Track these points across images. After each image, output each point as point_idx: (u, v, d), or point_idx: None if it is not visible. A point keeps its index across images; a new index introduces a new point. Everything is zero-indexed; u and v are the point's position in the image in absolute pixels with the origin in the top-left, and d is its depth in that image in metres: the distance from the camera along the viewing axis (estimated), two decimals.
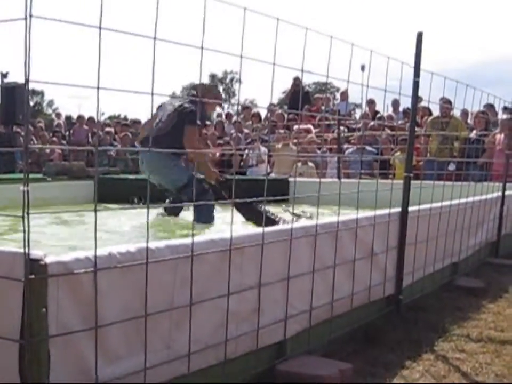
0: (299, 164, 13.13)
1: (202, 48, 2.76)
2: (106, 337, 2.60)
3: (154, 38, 2.53)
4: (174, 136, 7.41)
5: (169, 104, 8.02)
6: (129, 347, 2.75)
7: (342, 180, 8.76)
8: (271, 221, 7.08)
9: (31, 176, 8.43)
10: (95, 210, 2.40)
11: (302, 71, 3.68)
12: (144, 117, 19.13)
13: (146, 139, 8.08)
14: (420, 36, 5.14)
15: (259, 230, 3.42)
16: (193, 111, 7.64)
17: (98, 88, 2.35)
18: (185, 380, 3.00)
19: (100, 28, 2.34)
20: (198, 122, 7.50)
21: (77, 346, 2.52)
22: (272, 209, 7.83)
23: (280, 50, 3.31)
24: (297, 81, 17.95)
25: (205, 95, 7.92)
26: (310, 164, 13.48)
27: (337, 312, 4.32)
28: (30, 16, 2.14)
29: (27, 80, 2.19)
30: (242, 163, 15.00)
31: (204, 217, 7.48)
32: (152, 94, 2.56)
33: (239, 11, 2.98)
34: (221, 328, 3.21)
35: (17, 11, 2.20)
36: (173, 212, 8.10)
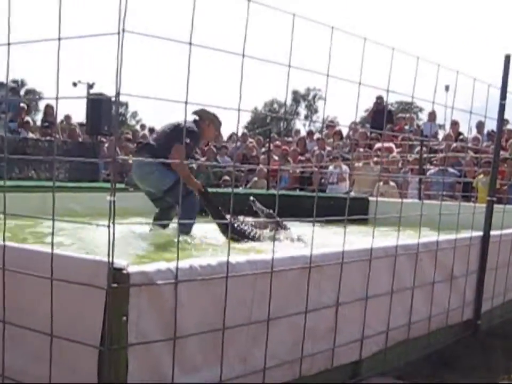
0: (380, 183, 13.01)
1: (289, 66, 2.76)
2: (183, 348, 2.61)
3: (243, 55, 2.54)
4: (163, 148, 7.47)
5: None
6: (205, 359, 2.76)
7: (423, 201, 8.64)
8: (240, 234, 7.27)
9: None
10: (178, 224, 2.42)
11: (388, 91, 3.65)
12: (226, 131, 19.29)
13: (140, 148, 8.10)
14: (507, 58, 5.05)
15: (339, 249, 3.39)
16: (188, 131, 7.66)
17: (186, 103, 2.37)
18: None
19: (190, 43, 2.36)
20: (187, 141, 7.51)
21: (154, 356, 2.54)
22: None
23: (364, 68, 3.30)
24: (379, 100, 17.84)
25: (212, 121, 8.05)
26: (391, 183, 13.34)
27: (414, 335, 4.25)
28: (123, 31, 2.17)
29: (118, 93, 2.22)
30: (322, 180, 14.95)
31: (188, 215, 7.38)
32: (239, 110, 2.58)
33: (327, 30, 2.98)
34: (297, 345, 3.20)
35: (106, 25, 2.25)
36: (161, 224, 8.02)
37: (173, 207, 7.92)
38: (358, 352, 3.73)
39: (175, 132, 7.66)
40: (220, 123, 8.11)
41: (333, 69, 3.06)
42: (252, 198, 8.18)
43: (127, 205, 8.36)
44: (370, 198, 11.20)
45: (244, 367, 2.94)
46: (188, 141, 7.56)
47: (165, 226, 7.80)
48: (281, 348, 3.12)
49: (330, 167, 14.76)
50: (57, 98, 2.45)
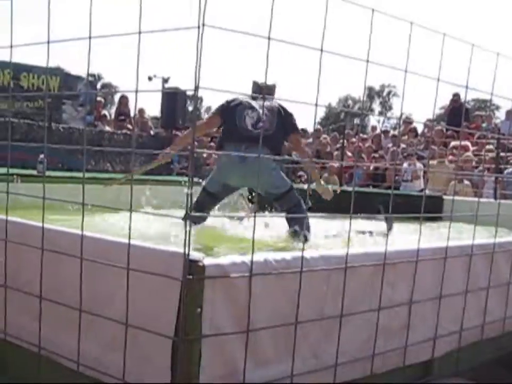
0: (454, 182, 12.83)
1: (367, 61, 2.74)
2: (256, 341, 2.62)
3: (321, 50, 2.53)
4: (277, 139, 6.73)
5: (253, 103, 6.60)
6: (277, 353, 2.77)
7: (499, 201, 8.49)
8: None
9: (186, 179, 8.67)
10: (253, 216, 2.43)
11: (467, 87, 3.59)
12: (306, 126, 19.24)
13: (250, 138, 6.64)
14: None
15: (414, 246, 3.36)
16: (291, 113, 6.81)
17: (264, 97, 2.38)
18: None
19: (269, 38, 2.36)
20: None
21: (227, 348, 2.56)
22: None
23: (441, 65, 3.25)
24: (456, 97, 17.56)
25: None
26: (466, 182, 13.15)
27: (488, 336, 4.18)
28: (203, 25, 2.19)
29: (197, 87, 2.24)
30: (396, 177, 14.81)
31: (307, 226, 6.53)
32: (316, 105, 2.57)
33: (405, 25, 2.95)
34: (369, 342, 3.18)
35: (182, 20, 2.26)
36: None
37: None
38: (430, 351, 3.69)
39: (282, 118, 6.69)
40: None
41: (410, 65, 3.03)
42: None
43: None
44: (444, 197, 11.06)
45: (315, 362, 2.94)
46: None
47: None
48: (353, 344, 3.11)
49: (405, 164, 14.61)
50: (136, 92, 2.48)
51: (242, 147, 6.49)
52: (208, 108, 72.76)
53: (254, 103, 6.61)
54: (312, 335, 2.90)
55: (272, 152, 6.28)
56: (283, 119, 6.68)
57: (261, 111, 6.38)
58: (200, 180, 7.48)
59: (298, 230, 6.35)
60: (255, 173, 6.40)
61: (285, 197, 6.73)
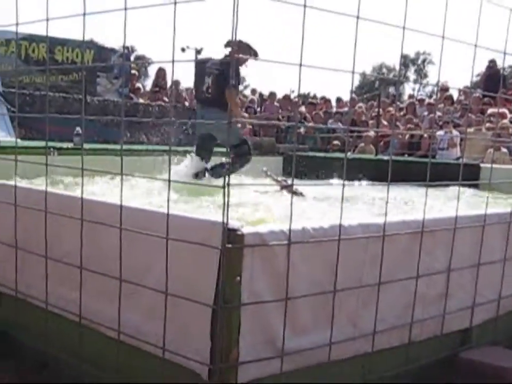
0: (491, 150, 12.68)
1: (404, 28, 2.72)
2: (295, 309, 2.64)
3: (357, 17, 2.51)
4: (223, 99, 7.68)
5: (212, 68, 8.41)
6: (315, 321, 2.79)
7: None
8: None
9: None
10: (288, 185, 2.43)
11: (505, 53, 3.54)
12: (334, 95, 19.12)
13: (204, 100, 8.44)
14: None
15: (451, 214, 3.34)
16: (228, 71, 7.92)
17: (300, 65, 2.37)
18: (370, 358, 3.01)
19: (305, 6, 2.35)
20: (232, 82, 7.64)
21: (266, 316, 2.58)
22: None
23: (476, 30, 3.21)
24: (492, 64, 17.31)
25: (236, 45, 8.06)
26: (504, 150, 12.98)
27: None
28: None
29: (232, 56, 2.23)
30: (432, 146, 14.66)
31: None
32: (353, 73, 2.56)
33: None
34: (407, 310, 3.18)
35: None
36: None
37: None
38: (469, 319, 3.68)
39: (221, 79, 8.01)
40: (246, 46, 8.15)
41: (446, 31, 2.99)
42: (264, 168, 8.59)
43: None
44: (481, 165, 10.94)
45: (353, 330, 2.95)
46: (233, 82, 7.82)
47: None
48: (391, 312, 3.12)
49: (441, 132, 14.46)
50: (173, 62, 2.48)
51: (199, 107, 8.63)
52: (242, 78, 72.44)
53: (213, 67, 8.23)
54: (350, 303, 2.91)
55: (221, 110, 7.50)
56: (221, 80, 7.99)
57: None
58: None
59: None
60: (211, 129, 8.26)
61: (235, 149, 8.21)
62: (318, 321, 2.79)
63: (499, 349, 3.80)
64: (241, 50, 8.11)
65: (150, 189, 6.44)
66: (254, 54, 8.21)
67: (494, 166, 10.28)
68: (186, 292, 2.50)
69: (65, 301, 3.16)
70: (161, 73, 17.18)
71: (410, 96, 23.93)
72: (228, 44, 8.09)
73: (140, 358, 2.82)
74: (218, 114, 7.57)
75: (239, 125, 8.56)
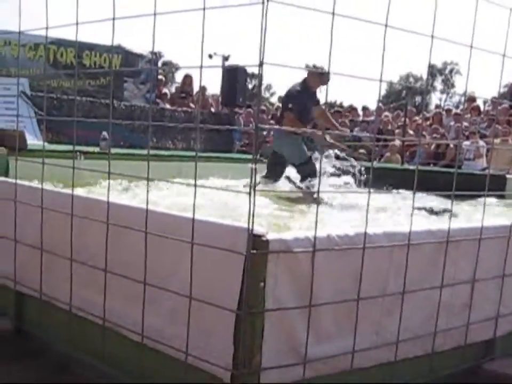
0: None
1: (432, 36, 2.72)
2: (318, 316, 2.64)
3: (386, 25, 2.52)
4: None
5: None
6: (339, 328, 2.78)
7: None
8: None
9: (247, 156, 8.72)
10: (318, 191, 2.44)
11: None
12: (361, 103, 19.09)
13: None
14: None
15: (477, 224, 3.33)
16: (287, 95, 8.75)
17: (328, 73, 2.37)
18: (392, 367, 3.00)
19: (333, 14, 2.36)
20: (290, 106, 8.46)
21: (289, 322, 2.59)
22: None
23: (505, 40, 3.19)
24: None
25: (311, 73, 8.63)
26: None
27: None
28: (268, 0, 2.19)
29: (261, 63, 2.24)
30: (459, 156, 14.60)
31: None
32: (380, 81, 2.56)
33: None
34: (431, 319, 3.17)
35: None
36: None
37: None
38: (492, 330, 3.66)
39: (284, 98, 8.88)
40: (320, 73, 8.36)
41: (474, 41, 2.98)
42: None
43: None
44: (508, 176, 10.87)
45: (376, 338, 2.94)
46: (290, 106, 8.47)
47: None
48: (414, 321, 3.11)
49: (467, 143, 14.40)
50: (201, 67, 2.50)
51: None
52: (269, 86, 72.46)
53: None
54: (374, 312, 2.91)
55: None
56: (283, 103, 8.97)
57: None
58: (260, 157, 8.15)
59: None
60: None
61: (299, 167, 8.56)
62: (341, 329, 2.79)
63: None
64: (314, 75, 8.59)
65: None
66: (327, 79, 8.43)
67: None
68: (210, 296, 2.51)
69: (89, 304, 3.18)
70: (187, 79, 17.26)
71: (437, 106, 23.92)
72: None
73: (163, 362, 2.83)
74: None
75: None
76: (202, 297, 2.52)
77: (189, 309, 2.56)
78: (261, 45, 2.23)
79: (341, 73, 2.47)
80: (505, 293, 3.60)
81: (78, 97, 13.43)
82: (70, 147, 7.55)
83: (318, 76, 8.55)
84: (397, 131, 16.86)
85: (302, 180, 8.43)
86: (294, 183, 8.46)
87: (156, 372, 2.90)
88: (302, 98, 8.51)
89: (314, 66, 8.71)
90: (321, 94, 8.59)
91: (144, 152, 8.60)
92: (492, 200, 7.80)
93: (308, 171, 8.39)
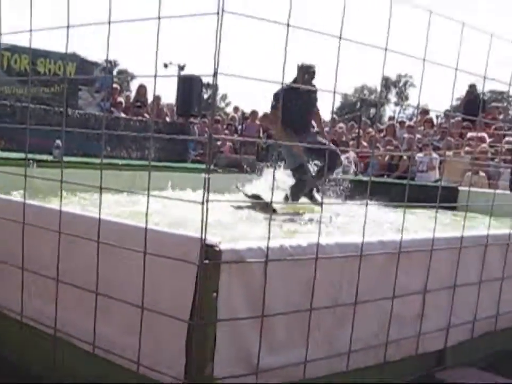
0: (469, 173, 12.77)
1: (386, 49, 2.74)
2: (270, 327, 2.65)
3: (340, 38, 2.54)
4: None
5: None
6: (291, 339, 2.79)
7: None
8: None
9: (201, 166, 8.70)
10: (271, 203, 2.45)
11: (484, 78, 3.58)
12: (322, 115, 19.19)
13: None
14: None
15: (429, 235, 3.37)
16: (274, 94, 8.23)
17: (282, 84, 2.39)
18: (344, 377, 3.01)
19: (288, 25, 2.37)
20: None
21: (242, 333, 2.58)
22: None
23: (457, 54, 3.24)
24: (472, 89, 17.44)
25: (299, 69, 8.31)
26: (482, 173, 13.09)
27: (502, 327, 4.18)
28: (223, 11, 2.20)
29: (215, 73, 2.24)
30: (411, 167, 14.76)
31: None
32: (334, 93, 2.58)
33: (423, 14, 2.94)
34: (383, 330, 3.19)
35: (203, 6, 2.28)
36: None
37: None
38: (443, 340, 3.70)
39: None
40: (301, 68, 8.32)
41: (427, 55, 3.02)
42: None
43: (218, 187, 8.49)
44: (460, 188, 11.02)
45: (329, 348, 2.95)
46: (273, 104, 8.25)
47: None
48: (366, 332, 3.13)
49: (420, 154, 14.56)
50: (155, 76, 2.50)
51: None
52: (224, 96, 72.49)
53: None
54: (326, 322, 2.92)
55: None
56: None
57: None
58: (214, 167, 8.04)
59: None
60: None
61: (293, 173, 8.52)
62: (293, 339, 2.80)
63: (474, 370, 3.81)
64: (299, 72, 8.28)
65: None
66: (310, 75, 8.40)
67: (472, 189, 10.39)
68: (163, 306, 2.50)
69: (40, 314, 3.15)
70: (142, 90, 17.20)
71: (391, 118, 24.16)
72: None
73: (114, 372, 2.81)
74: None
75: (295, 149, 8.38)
76: (155, 307, 2.51)
77: (141, 319, 2.54)
78: (215, 55, 2.24)
79: (295, 85, 2.48)
80: (456, 304, 3.65)
81: (32, 104, 13.28)
82: (22, 155, 7.45)
83: (302, 72, 8.44)
84: (351, 142, 16.99)
85: (294, 186, 8.48)
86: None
87: (107, 382, 2.88)
88: (288, 96, 8.18)
89: (302, 64, 8.53)
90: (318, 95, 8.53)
91: (98, 160, 8.55)
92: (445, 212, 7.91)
93: (297, 177, 8.48)
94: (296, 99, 8.19)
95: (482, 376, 3.73)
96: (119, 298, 2.66)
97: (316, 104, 8.45)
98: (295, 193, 8.48)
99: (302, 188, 8.53)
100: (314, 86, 8.10)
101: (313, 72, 8.30)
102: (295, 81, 8.33)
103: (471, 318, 3.86)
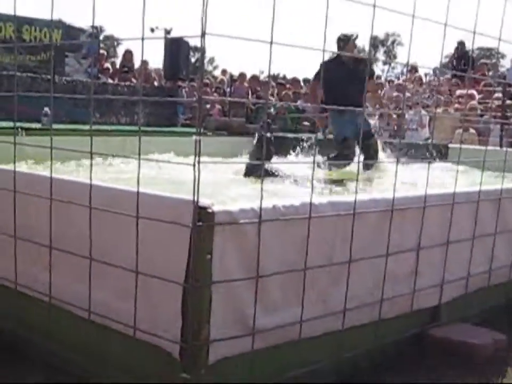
0: (460, 131, 12.75)
1: (374, 6, 2.71)
2: (265, 287, 2.65)
3: None
4: None
5: None
6: (286, 299, 2.80)
7: (505, 149, 8.48)
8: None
9: (191, 130, 8.65)
10: (263, 163, 2.43)
11: (474, 33, 3.54)
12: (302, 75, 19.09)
13: None
14: None
15: (421, 192, 3.36)
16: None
17: (271, 43, 2.36)
18: (340, 335, 3.02)
19: None
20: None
21: (237, 294, 2.59)
22: None
23: (446, 9, 3.20)
24: (460, 46, 17.35)
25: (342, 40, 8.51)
26: (472, 130, 13.06)
27: (495, 282, 4.20)
28: None
29: (203, 33, 2.21)
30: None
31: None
32: (324, 51, 2.55)
33: None
34: (377, 287, 3.20)
35: None
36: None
37: None
38: (438, 297, 3.72)
39: None
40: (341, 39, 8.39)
41: (416, 12, 2.99)
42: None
43: (208, 150, 8.44)
44: (450, 145, 11.03)
45: (324, 307, 2.96)
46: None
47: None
48: (361, 290, 3.14)
49: (411, 112, 14.52)
50: (143, 39, 2.46)
51: None
52: (212, 59, 71.96)
53: None
54: (320, 281, 2.92)
55: None
56: None
57: None
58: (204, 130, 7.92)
59: None
60: None
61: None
62: (289, 299, 2.80)
63: (468, 326, 3.84)
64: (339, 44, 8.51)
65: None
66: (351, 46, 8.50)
67: (463, 146, 10.39)
68: (157, 270, 2.50)
69: (35, 281, 3.14)
70: (128, 55, 17.06)
71: (378, 77, 24.04)
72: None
73: (111, 337, 2.81)
74: None
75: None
76: (149, 271, 2.51)
77: (136, 283, 2.54)
78: (202, 16, 2.21)
79: (284, 43, 2.45)
80: (450, 260, 3.66)
81: (18, 72, 13.16)
82: (10, 123, 7.40)
83: (341, 43, 8.46)
84: None
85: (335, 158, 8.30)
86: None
87: (104, 348, 2.88)
88: (329, 68, 8.21)
89: (343, 35, 8.48)
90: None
91: (87, 127, 8.48)
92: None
93: (339, 151, 8.35)
94: (336, 72, 8.16)
95: (476, 331, 3.75)
96: (113, 263, 2.66)
97: (363, 78, 7.24)
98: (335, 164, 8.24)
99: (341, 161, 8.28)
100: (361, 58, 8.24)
101: (348, 40, 8.22)
102: (336, 57, 8.41)
103: (465, 274, 3.88)
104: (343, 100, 7.83)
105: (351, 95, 7.29)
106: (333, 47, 8.33)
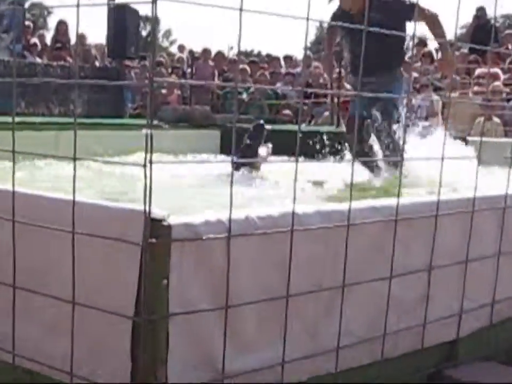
0: (481, 119, 12.80)
1: None
2: (238, 320, 2.64)
3: None
4: None
5: None
6: (264, 334, 2.79)
7: None
8: None
9: (142, 122, 8.61)
10: (233, 162, 2.43)
11: None
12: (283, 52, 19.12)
13: None
14: None
15: (432, 198, 3.37)
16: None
17: (241, 10, 2.36)
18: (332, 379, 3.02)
19: None
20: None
21: (201, 329, 2.58)
22: None
23: None
24: (480, 12, 17.44)
25: None
26: (495, 119, 13.14)
27: None
28: None
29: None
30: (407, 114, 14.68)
31: None
32: (308, 19, 2.56)
33: None
34: (379, 319, 3.20)
35: None
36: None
37: None
38: (455, 329, 3.73)
39: None
40: None
41: None
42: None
43: (162, 145, 8.47)
44: (468, 138, 11.05)
45: (312, 344, 2.96)
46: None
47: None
48: (358, 322, 3.14)
49: (419, 97, 14.55)
50: (78, 6, 2.45)
51: None
52: (167, 32, 71.90)
53: None
54: (307, 311, 2.92)
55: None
56: None
57: None
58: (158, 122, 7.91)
59: None
60: None
61: None
62: (268, 335, 2.80)
63: (493, 365, 3.85)
64: None
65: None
66: None
67: (484, 139, 10.41)
68: (100, 300, 2.49)
69: None
70: (62, 27, 17.03)
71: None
72: None
73: None
74: None
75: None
76: (91, 301, 2.49)
77: (72, 317, 2.52)
78: None
79: (257, 10, 2.45)
80: (470, 283, 3.66)
81: None
82: None
83: None
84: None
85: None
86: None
87: None
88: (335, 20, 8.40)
89: None
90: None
91: (9, 119, 8.45)
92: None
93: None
94: (350, 30, 8.01)
95: (504, 372, 3.77)
96: (42, 292, 2.64)
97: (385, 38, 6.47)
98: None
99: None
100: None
101: None
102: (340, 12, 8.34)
103: (489, 301, 3.89)
104: (354, 67, 8.03)
105: (375, 63, 7.05)
106: (319, 16, 8.31)
